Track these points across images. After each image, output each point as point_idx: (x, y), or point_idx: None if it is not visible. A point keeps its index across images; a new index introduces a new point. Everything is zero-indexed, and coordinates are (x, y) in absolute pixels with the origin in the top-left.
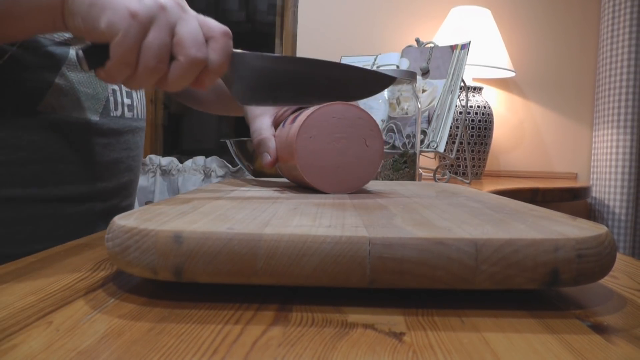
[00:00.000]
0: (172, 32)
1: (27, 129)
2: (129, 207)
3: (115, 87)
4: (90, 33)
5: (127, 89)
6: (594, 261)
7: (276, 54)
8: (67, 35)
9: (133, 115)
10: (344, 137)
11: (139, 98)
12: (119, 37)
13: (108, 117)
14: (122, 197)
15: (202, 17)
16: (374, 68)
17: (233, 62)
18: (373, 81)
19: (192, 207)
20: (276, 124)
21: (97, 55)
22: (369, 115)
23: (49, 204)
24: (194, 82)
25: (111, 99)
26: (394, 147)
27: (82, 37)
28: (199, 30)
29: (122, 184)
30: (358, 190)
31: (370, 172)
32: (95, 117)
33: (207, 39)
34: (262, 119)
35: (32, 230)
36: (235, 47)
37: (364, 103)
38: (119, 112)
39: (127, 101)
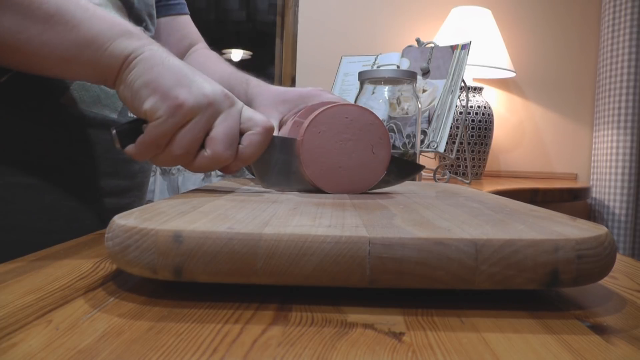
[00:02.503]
0: (210, 126)
1: (49, 120)
2: None
3: None
4: (134, 108)
5: None
6: (593, 262)
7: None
8: None
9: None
10: (352, 139)
11: None
12: (158, 122)
13: (125, 116)
14: (134, 197)
15: (250, 111)
16: (375, 68)
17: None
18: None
19: (192, 206)
20: (280, 126)
21: (130, 135)
22: (382, 123)
23: (68, 196)
24: (221, 168)
25: None
26: (394, 147)
27: (127, 106)
28: (236, 129)
29: (136, 184)
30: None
31: (371, 180)
32: (113, 115)
33: (246, 131)
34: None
35: (50, 220)
36: (236, 46)
37: (364, 103)
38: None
39: None
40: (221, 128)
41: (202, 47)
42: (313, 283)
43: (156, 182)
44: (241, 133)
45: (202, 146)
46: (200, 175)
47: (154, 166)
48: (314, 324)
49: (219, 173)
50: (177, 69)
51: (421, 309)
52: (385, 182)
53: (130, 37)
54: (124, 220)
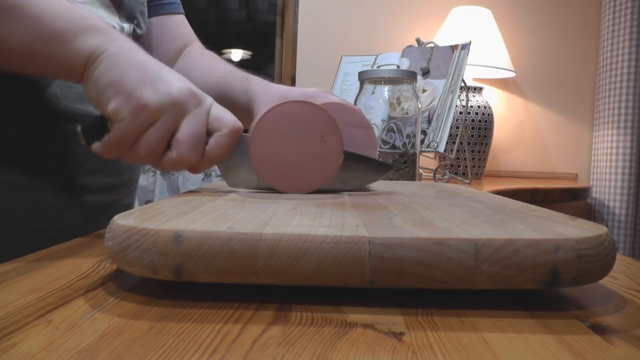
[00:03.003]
0: (175, 127)
1: (32, 117)
2: (129, 205)
3: None
4: (99, 107)
5: None
6: (593, 261)
7: None
8: None
9: None
10: (300, 136)
11: None
12: (122, 123)
13: None
14: (123, 194)
15: (218, 109)
16: (375, 68)
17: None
18: (370, 170)
19: (192, 206)
20: None
21: (95, 131)
22: (324, 111)
23: (53, 193)
24: (189, 168)
25: None
26: (394, 147)
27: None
28: (202, 130)
29: (123, 181)
30: (358, 189)
31: (331, 169)
32: (98, 111)
33: (214, 131)
34: None
35: (35, 217)
36: (236, 46)
37: (364, 103)
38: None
39: None
40: (187, 130)
41: (197, 47)
42: (313, 283)
43: (156, 182)
44: (209, 133)
45: (169, 146)
46: (200, 175)
47: None
48: (314, 324)
49: (219, 173)
50: (143, 66)
51: (421, 309)
52: (355, 180)
53: (95, 33)
54: (124, 220)
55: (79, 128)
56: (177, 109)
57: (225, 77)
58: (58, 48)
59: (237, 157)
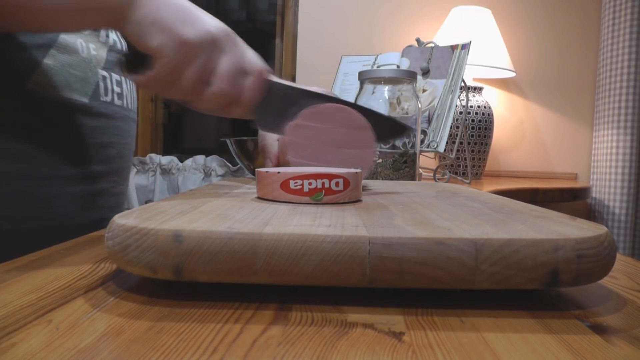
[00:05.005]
0: (214, 64)
1: (15, 106)
2: (121, 194)
3: (105, 73)
4: (142, 47)
5: (117, 77)
6: (593, 261)
7: (304, 88)
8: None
9: (123, 103)
10: (335, 136)
11: (129, 89)
12: (165, 59)
13: (98, 101)
14: (113, 183)
15: (249, 52)
16: (374, 67)
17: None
18: (389, 129)
19: (192, 206)
20: None
21: (136, 64)
22: (355, 111)
23: (39, 182)
24: (224, 109)
25: (101, 84)
26: (394, 146)
27: (133, 44)
28: (239, 67)
29: (113, 169)
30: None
31: (366, 166)
32: (84, 99)
33: (246, 74)
34: None
35: (21, 207)
36: None
37: (364, 103)
38: (108, 98)
39: (117, 89)
40: (225, 66)
41: None
42: (313, 283)
43: (156, 181)
44: (244, 70)
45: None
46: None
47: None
48: (314, 324)
49: (219, 173)
50: (183, 8)
51: (421, 308)
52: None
53: None
54: (124, 220)
55: (122, 58)
56: (215, 46)
57: None
58: None
59: (270, 103)
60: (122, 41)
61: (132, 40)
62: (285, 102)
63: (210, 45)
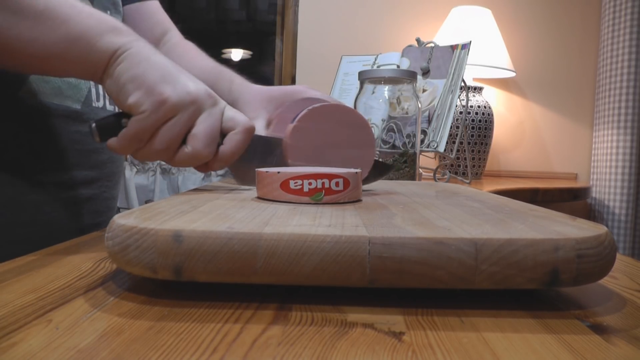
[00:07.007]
0: (192, 124)
1: (7, 113)
2: (113, 198)
3: None
4: (119, 101)
5: None
6: (593, 261)
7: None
8: None
9: (115, 108)
10: (334, 136)
11: None
12: (142, 116)
13: (90, 107)
14: (105, 188)
15: (232, 111)
16: (374, 67)
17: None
18: (373, 170)
19: (192, 206)
20: (268, 124)
21: (109, 129)
22: (354, 110)
23: (31, 189)
24: (201, 166)
25: (93, 90)
26: (394, 146)
27: (113, 99)
28: (217, 128)
29: (105, 174)
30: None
31: (365, 165)
32: (76, 106)
33: (228, 131)
34: (256, 123)
35: (13, 214)
36: (236, 46)
37: (364, 103)
38: (100, 104)
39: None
40: (203, 126)
41: (177, 36)
42: (313, 282)
43: (156, 182)
44: (223, 133)
45: (184, 142)
46: (200, 175)
47: (154, 165)
48: (314, 324)
49: (219, 173)
50: (163, 66)
51: (421, 308)
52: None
53: (118, 33)
54: (124, 220)
55: (93, 125)
56: (195, 107)
57: (209, 73)
58: (84, 47)
59: (249, 156)
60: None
61: (111, 95)
62: (266, 154)
63: (190, 106)
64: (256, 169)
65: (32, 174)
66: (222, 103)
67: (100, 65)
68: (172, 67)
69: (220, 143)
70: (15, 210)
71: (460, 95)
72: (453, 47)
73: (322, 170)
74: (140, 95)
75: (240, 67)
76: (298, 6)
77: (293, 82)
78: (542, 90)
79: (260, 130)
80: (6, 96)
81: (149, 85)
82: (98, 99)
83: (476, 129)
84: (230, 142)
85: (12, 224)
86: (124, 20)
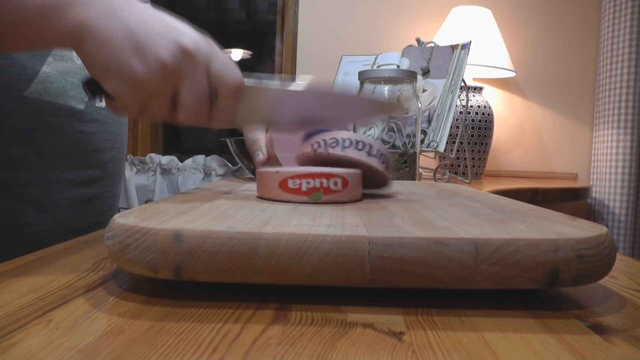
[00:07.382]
0: (175, 89)
1: (13, 113)
2: (115, 197)
3: None
4: (101, 83)
5: None
6: (593, 261)
7: (281, 87)
8: None
9: None
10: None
11: None
12: (123, 99)
13: (93, 107)
14: (107, 187)
15: (218, 64)
16: (374, 67)
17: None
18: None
19: (192, 205)
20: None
21: (98, 86)
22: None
23: (35, 188)
24: (205, 124)
25: None
26: (394, 146)
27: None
28: (202, 94)
29: (107, 174)
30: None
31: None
32: (80, 106)
33: (217, 91)
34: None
35: (18, 213)
36: (236, 46)
37: None
38: (104, 103)
39: None
40: (186, 95)
41: None
42: (313, 282)
43: (156, 181)
44: (213, 92)
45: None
46: (201, 175)
47: (154, 165)
48: (314, 324)
49: (219, 173)
50: (127, 32)
51: (421, 308)
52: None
53: (74, 5)
54: (124, 220)
55: (83, 82)
56: (171, 76)
57: None
58: (42, 21)
59: (247, 105)
60: None
61: (92, 74)
62: (267, 103)
63: (166, 77)
64: (256, 170)
65: (36, 173)
66: (202, 58)
67: (64, 44)
68: (137, 25)
69: (214, 98)
70: (21, 210)
71: (460, 95)
72: (453, 47)
73: (320, 169)
74: (113, 82)
75: (240, 67)
76: (298, 6)
77: (285, 79)
78: (542, 90)
79: (259, 130)
80: (12, 96)
81: (116, 69)
82: (101, 100)
83: (476, 129)
84: (222, 109)
85: (17, 223)
86: None
